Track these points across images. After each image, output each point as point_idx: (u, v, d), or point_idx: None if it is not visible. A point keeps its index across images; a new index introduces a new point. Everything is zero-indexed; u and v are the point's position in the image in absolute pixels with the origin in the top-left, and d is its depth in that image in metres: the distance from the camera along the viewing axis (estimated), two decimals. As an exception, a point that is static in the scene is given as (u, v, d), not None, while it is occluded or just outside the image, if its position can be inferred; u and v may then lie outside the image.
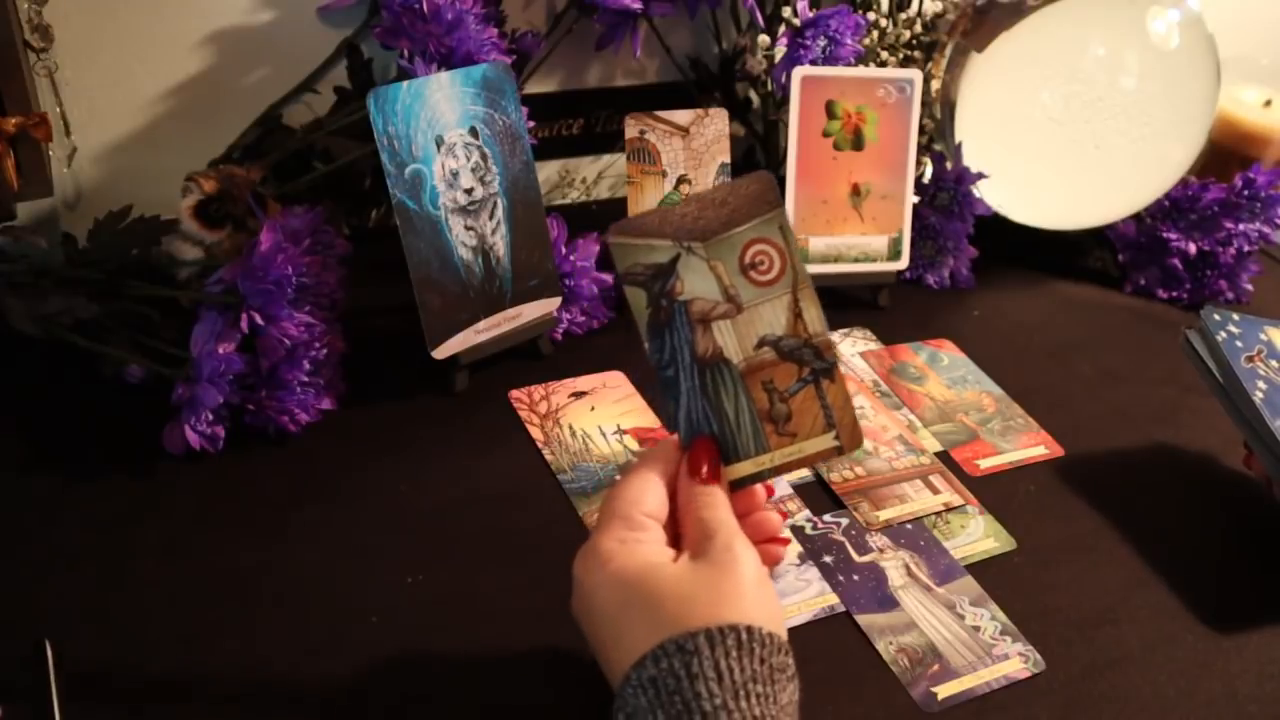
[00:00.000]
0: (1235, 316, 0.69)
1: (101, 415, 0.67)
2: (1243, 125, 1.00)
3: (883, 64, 0.93)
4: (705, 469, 0.49)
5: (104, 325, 0.69)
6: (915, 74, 0.82)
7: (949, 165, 0.88)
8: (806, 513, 0.66)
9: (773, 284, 0.51)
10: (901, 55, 0.94)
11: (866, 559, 0.63)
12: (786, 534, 0.58)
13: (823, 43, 0.83)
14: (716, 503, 0.48)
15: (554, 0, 0.89)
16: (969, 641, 0.58)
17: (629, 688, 0.42)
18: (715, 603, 0.43)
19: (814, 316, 0.51)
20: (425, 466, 0.66)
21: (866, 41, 0.92)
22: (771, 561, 0.51)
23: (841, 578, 0.61)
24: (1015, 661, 0.57)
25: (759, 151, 1.01)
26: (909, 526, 0.65)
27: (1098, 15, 0.86)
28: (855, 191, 0.83)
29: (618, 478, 0.65)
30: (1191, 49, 0.88)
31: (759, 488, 0.52)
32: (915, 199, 0.87)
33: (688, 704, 0.40)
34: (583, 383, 0.75)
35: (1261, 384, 0.65)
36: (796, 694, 0.44)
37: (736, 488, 0.51)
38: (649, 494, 0.48)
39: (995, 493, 0.69)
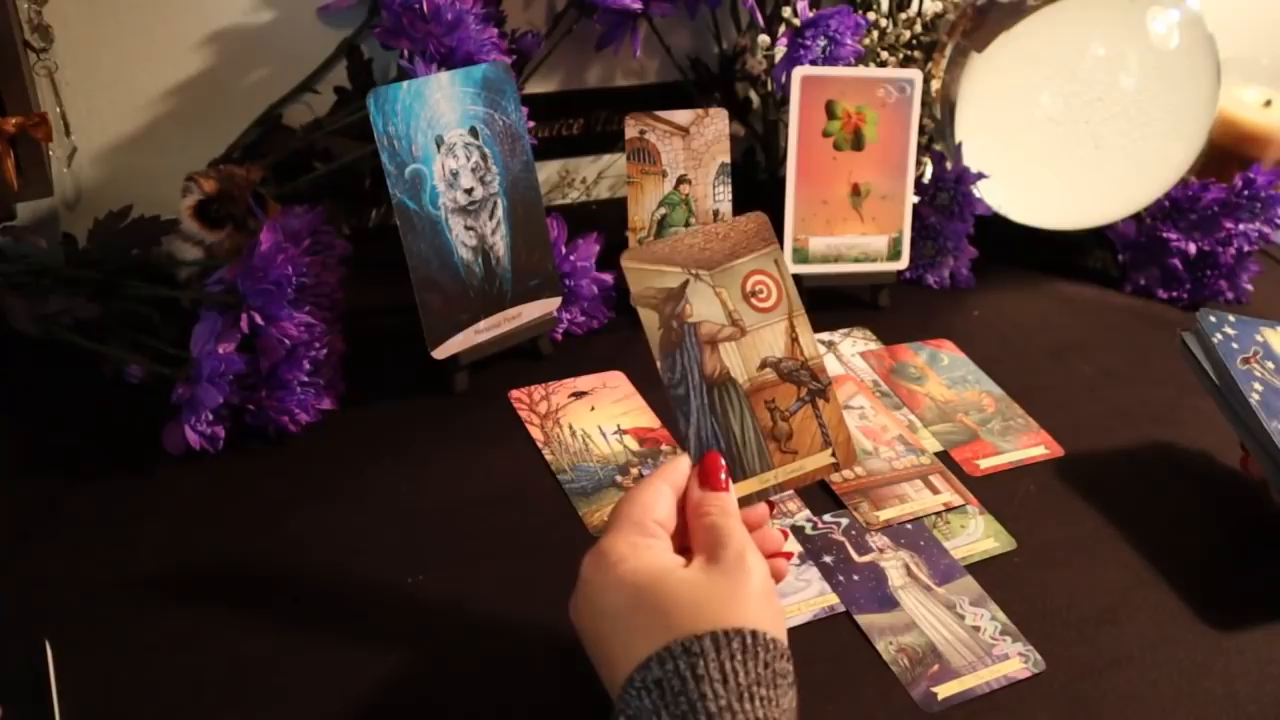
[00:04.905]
0: (1231, 318, 0.69)
1: (101, 415, 0.67)
2: (1243, 125, 1.00)
3: (883, 64, 0.93)
4: (721, 477, 0.51)
5: (104, 325, 0.69)
6: (915, 74, 0.82)
7: (949, 165, 0.88)
8: (806, 513, 0.66)
9: (771, 310, 0.55)
10: (901, 55, 0.94)
11: (866, 559, 0.63)
12: (788, 548, 0.60)
13: (823, 43, 0.83)
14: (729, 510, 0.49)
15: (554, 0, 0.89)
16: (969, 641, 0.58)
17: (632, 689, 0.42)
18: (724, 608, 0.44)
19: (808, 341, 0.56)
20: (425, 466, 0.66)
21: (866, 41, 0.92)
22: (775, 578, 0.52)
23: (841, 578, 0.61)
24: (1015, 661, 0.57)
25: (759, 151, 1.01)
26: (909, 526, 0.65)
27: (1098, 15, 0.86)
28: (855, 191, 0.83)
29: (618, 479, 0.66)
30: (1191, 49, 0.88)
31: (762, 505, 0.53)
32: (915, 199, 0.87)
33: (693, 705, 0.40)
34: (583, 383, 0.75)
35: (1258, 385, 0.65)
36: (795, 701, 0.44)
37: (741, 506, 0.52)
38: (660, 503, 0.49)
39: (995, 493, 0.69)
